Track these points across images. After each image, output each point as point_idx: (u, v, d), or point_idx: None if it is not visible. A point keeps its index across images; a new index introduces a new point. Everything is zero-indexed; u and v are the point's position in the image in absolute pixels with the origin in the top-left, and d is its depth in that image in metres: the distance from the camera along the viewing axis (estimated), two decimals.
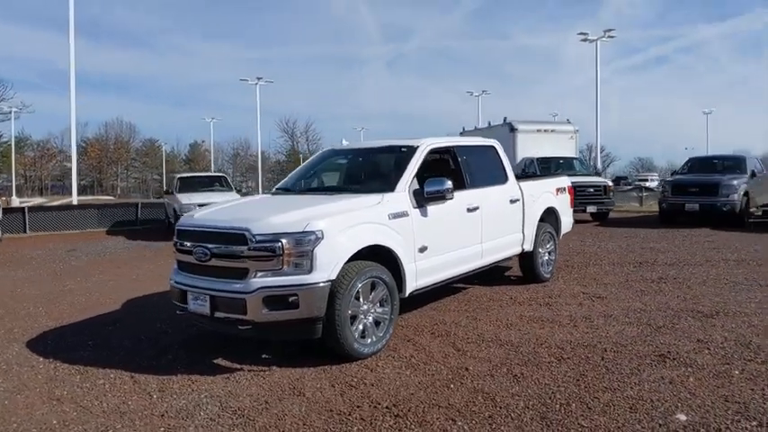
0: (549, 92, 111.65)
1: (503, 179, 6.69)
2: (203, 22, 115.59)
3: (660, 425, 3.27)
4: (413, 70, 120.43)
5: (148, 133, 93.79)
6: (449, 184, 5.21)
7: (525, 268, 7.40)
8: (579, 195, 15.41)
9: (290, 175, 6.44)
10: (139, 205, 20.43)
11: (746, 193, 14.44)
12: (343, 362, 4.51)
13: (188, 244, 4.69)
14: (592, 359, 4.44)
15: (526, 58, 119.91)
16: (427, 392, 3.88)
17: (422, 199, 5.21)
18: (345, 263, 4.41)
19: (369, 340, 4.65)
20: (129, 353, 5.06)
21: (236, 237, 4.35)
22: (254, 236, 4.26)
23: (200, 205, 14.74)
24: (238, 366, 4.57)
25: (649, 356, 4.45)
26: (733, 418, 3.32)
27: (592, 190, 16.39)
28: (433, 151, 5.75)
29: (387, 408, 3.65)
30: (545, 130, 19.78)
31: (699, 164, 16.78)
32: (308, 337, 4.40)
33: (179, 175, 17.52)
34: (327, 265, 4.30)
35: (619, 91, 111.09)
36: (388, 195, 5.01)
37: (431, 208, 5.30)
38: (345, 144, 6.46)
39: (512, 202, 6.70)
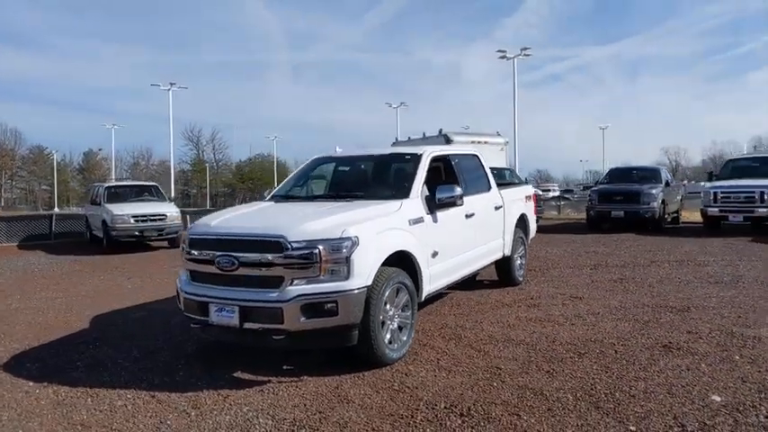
0: (451, 106, 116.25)
1: (488, 187, 6.95)
2: (98, 24, 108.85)
3: (703, 405, 3.58)
4: (319, 80, 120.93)
5: (36, 140, 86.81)
6: (459, 190, 5.37)
7: (502, 272, 7.70)
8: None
9: (285, 183, 6.30)
10: (54, 217, 18.89)
11: (663, 201, 15.89)
12: (370, 368, 4.50)
13: (207, 253, 4.48)
14: (607, 353, 4.74)
15: (429, 72, 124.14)
16: (475, 392, 3.98)
17: (433, 205, 5.32)
18: (378, 269, 4.42)
19: (395, 345, 4.67)
20: (132, 371, 4.73)
21: (270, 244, 4.23)
22: (290, 243, 4.16)
23: (136, 217, 14.16)
24: (264, 378, 4.42)
25: (655, 348, 4.82)
26: (758, 396, 3.70)
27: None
28: (433, 159, 5.88)
29: (446, 408, 3.70)
30: (479, 142, 20.54)
31: (619, 174, 18.22)
32: (343, 344, 4.35)
33: (106, 185, 16.38)
34: (363, 272, 4.29)
35: (519, 105, 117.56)
36: (405, 202, 5.08)
37: (440, 214, 5.42)
38: (339, 151, 6.44)
39: (496, 208, 6.97)
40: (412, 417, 3.61)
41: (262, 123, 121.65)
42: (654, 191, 15.69)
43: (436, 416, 3.60)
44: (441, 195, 5.30)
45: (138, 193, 16.46)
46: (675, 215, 17.87)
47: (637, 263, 9.73)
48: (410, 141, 23.92)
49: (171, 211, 15.05)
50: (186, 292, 4.61)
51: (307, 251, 4.16)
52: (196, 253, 4.58)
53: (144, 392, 4.23)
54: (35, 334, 6.09)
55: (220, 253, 4.37)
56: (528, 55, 34.85)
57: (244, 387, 4.26)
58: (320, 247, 4.17)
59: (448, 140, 20.38)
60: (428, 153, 5.81)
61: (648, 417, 3.46)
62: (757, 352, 4.61)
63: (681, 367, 4.31)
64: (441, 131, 21.24)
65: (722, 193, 14.40)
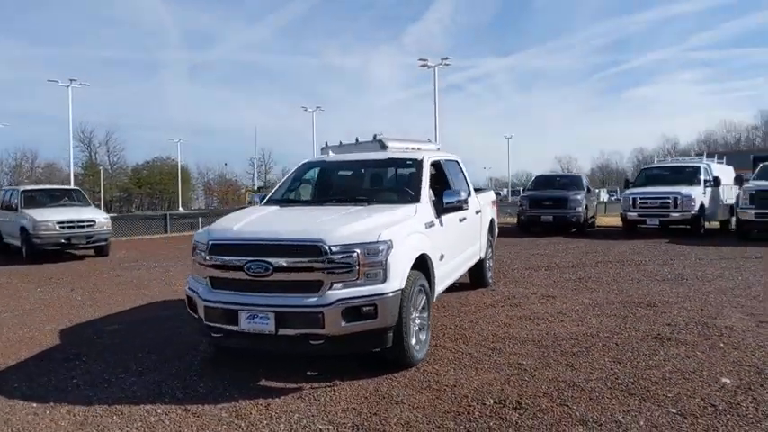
0: (359, 111, 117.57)
1: (468, 191, 7.22)
2: None
3: (719, 387, 4.01)
4: (220, 81, 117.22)
5: None
6: (464, 195, 5.58)
7: (475, 275, 7.99)
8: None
9: (280, 187, 6.17)
10: None
11: (585, 207, 17.15)
12: (398, 369, 4.56)
13: (234, 259, 4.33)
14: (609, 346, 5.12)
15: (337, 76, 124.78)
16: (512, 386, 4.17)
17: (441, 209, 5.48)
18: (409, 271, 4.50)
19: (418, 346, 4.76)
20: (144, 385, 4.45)
21: (308, 248, 4.18)
22: (329, 247, 4.14)
23: (62, 223, 13.08)
24: (294, 385, 4.34)
25: (648, 340, 5.28)
26: (759, 377, 4.20)
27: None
28: (431, 164, 6.05)
29: (497, 403, 3.86)
30: (414, 148, 21.02)
31: (544, 181, 19.40)
32: (378, 347, 4.38)
33: (22, 188, 14.96)
34: (398, 275, 4.36)
35: (419, 113, 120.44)
36: (419, 206, 5.19)
37: (444, 218, 5.59)
38: (332, 156, 6.42)
39: (476, 213, 7.26)
40: (469, 413, 3.72)
41: (159, 125, 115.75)
42: (579, 197, 16.89)
43: (492, 410, 3.75)
44: (448, 200, 5.47)
45: (58, 198, 15.17)
46: (593, 219, 19.31)
47: (583, 263, 10.47)
48: (342, 146, 24.07)
49: (100, 217, 14.06)
50: (208, 300, 4.42)
51: (346, 255, 4.16)
52: (220, 259, 4.41)
53: (173, 406, 4.02)
54: (1, 352, 5.53)
55: (251, 258, 4.25)
56: (448, 65, 36.08)
57: (279, 395, 4.16)
58: (358, 251, 4.19)
59: (383, 146, 20.61)
60: (428, 158, 5.97)
61: (680, 399, 3.82)
62: (735, 339, 5.19)
63: (680, 356, 4.77)
64: (375, 137, 21.42)
65: (640, 198, 15.80)
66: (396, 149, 20.11)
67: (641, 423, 3.47)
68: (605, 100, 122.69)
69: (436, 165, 6.37)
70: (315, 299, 4.13)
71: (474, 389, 4.14)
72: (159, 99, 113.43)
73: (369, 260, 4.22)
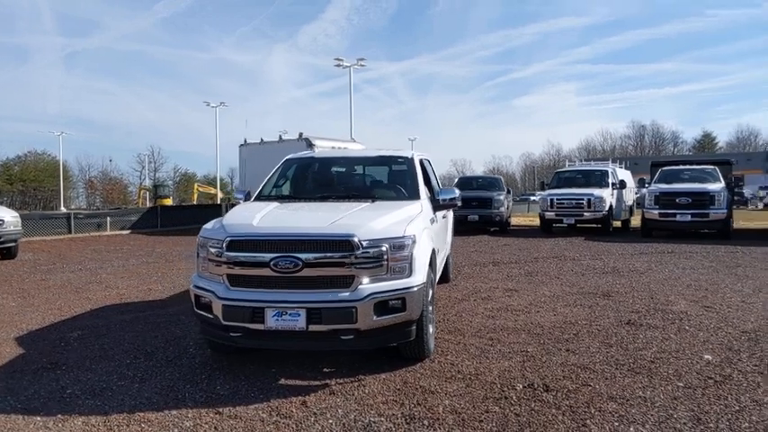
0: (252, 108, 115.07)
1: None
2: None
3: (706, 363, 4.53)
4: (99, 71, 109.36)
5: None
6: (457, 192, 5.79)
7: (442, 271, 8.25)
8: None
9: (267, 184, 6.01)
10: None
11: (507, 206, 18.17)
12: (415, 362, 4.67)
13: (258, 255, 4.21)
14: (593, 332, 5.57)
15: (229, 73, 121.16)
16: (532, 372, 4.43)
17: (437, 206, 5.66)
18: (427, 265, 4.63)
19: (431, 339, 4.90)
20: (155, 390, 4.20)
21: (340, 243, 4.16)
22: (360, 242, 4.16)
23: None
24: (318, 382, 4.31)
25: (623, 326, 5.80)
26: (733, 353, 4.79)
27: None
28: (419, 162, 6.22)
29: (527, 387, 4.09)
30: (339, 147, 21.09)
31: (465, 182, 20.25)
32: (403, 340, 4.45)
33: None
34: (421, 269, 4.47)
35: (318, 114, 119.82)
36: (422, 203, 5.33)
37: (437, 214, 5.78)
38: (320, 152, 6.37)
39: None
40: (506, 398, 3.92)
41: (32, 117, 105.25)
42: (501, 197, 17.86)
43: (526, 394, 3.97)
44: (444, 197, 5.66)
45: None
46: (509, 218, 20.48)
47: (523, 260, 11.14)
48: (263, 144, 23.47)
49: (8, 215, 12.71)
50: (228, 299, 4.25)
51: (376, 250, 4.20)
52: (242, 256, 4.26)
53: (202, 410, 3.84)
54: None
55: (278, 254, 4.15)
56: (363, 65, 36.44)
57: (308, 392, 4.11)
58: (386, 246, 4.25)
59: (309, 144, 20.55)
60: (416, 156, 6.13)
61: (681, 375, 4.28)
62: (695, 322, 5.85)
63: (658, 338, 5.31)
64: (301, 135, 21.30)
65: (557, 199, 17.02)
66: (321, 147, 19.84)
67: (661, 396, 3.86)
68: (495, 107, 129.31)
69: (421, 163, 6.53)
70: (347, 294, 4.13)
71: (497, 376, 4.35)
72: (30, 88, 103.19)
73: (396, 254, 4.29)
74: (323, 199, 5.46)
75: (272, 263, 4.15)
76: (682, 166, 17.03)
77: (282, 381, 4.38)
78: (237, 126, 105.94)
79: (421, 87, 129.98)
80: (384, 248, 4.23)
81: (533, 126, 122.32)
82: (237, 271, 4.30)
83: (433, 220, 5.36)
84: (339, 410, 3.78)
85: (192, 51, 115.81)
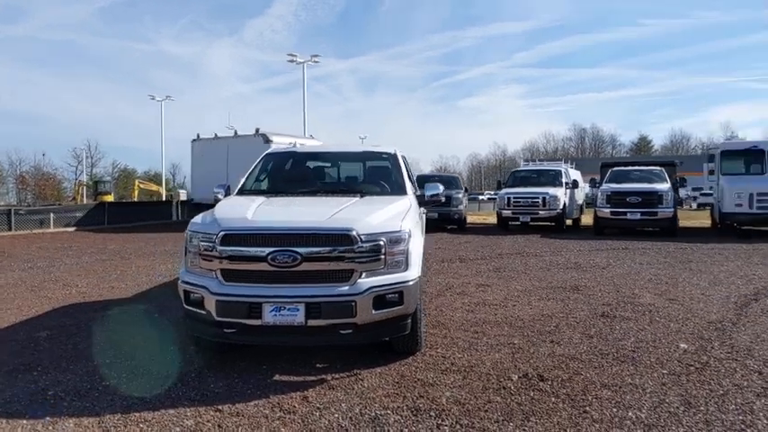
0: (194, 102, 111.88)
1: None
2: None
3: (683, 351, 4.77)
4: (28, 61, 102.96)
5: None
6: (441, 188, 5.86)
7: None
8: None
9: (249, 178, 5.88)
10: None
11: (465, 205, 18.49)
12: (407, 356, 4.70)
13: (254, 249, 4.13)
14: (571, 324, 5.76)
15: (169, 65, 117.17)
16: (524, 363, 4.54)
17: (422, 201, 5.71)
18: (421, 260, 4.67)
19: (422, 333, 4.94)
20: (145, 390, 4.04)
21: (339, 237, 4.13)
22: (360, 236, 4.15)
23: None
24: (315, 378, 4.27)
25: (598, 318, 6.03)
26: (704, 342, 5.07)
27: None
28: (401, 158, 6.25)
29: (522, 377, 4.19)
30: (297, 144, 20.84)
31: (424, 180, 20.41)
32: (399, 334, 4.46)
33: None
34: (416, 262, 4.50)
35: (263, 110, 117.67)
36: (410, 198, 5.36)
37: (422, 209, 5.83)
38: (301, 147, 6.29)
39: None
40: (504, 388, 4.01)
41: None
42: (460, 195, 18.15)
43: (523, 384, 4.07)
44: (429, 193, 5.72)
45: None
46: (466, 216, 20.85)
47: (488, 256, 11.38)
48: (218, 139, 22.90)
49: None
50: (222, 295, 4.14)
51: (374, 244, 4.19)
52: (237, 250, 4.16)
53: (200, 408, 3.73)
54: None
55: (275, 248, 4.08)
56: (317, 62, 36.12)
57: (307, 387, 4.07)
58: (384, 240, 4.25)
59: (267, 140, 20.23)
60: (399, 152, 6.16)
61: (663, 363, 4.49)
62: (665, 314, 6.15)
63: (633, 329, 5.55)
64: (258, 131, 20.94)
65: (514, 198, 17.47)
66: (278, 143, 19.54)
67: (650, 383, 4.05)
68: (442, 107, 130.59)
69: (403, 159, 6.56)
70: (346, 288, 4.11)
71: (491, 368, 4.44)
72: None
73: (393, 249, 4.30)
74: (310, 194, 5.39)
75: (269, 257, 4.08)
76: (630, 167, 17.83)
77: (277, 377, 4.32)
78: (180, 120, 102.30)
79: (368, 85, 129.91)
80: (382, 242, 4.23)
81: (479, 127, 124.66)
82: (232, 266, 4.19)
83: (420, 215, 5.41)
84: (342, 405, 3.76)
85: (130, 42, 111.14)
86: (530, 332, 5.46)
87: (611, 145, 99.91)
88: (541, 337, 5.27)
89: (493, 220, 21.78)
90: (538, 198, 17.01)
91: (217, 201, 5.96)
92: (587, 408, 3.63)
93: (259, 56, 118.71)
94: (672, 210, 15.19)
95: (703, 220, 22.23)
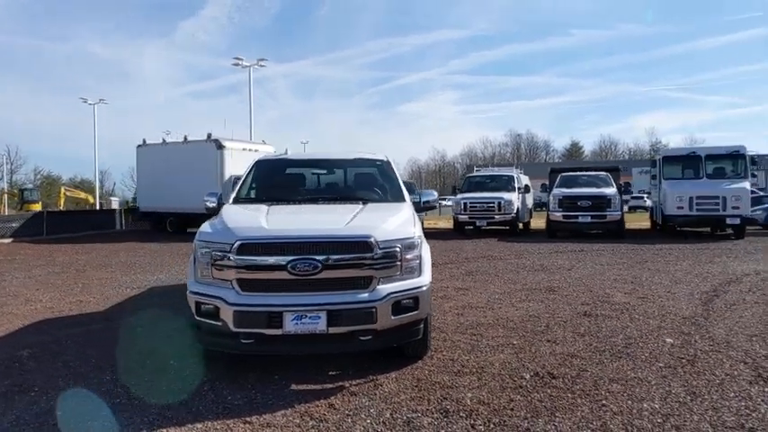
0: (122, 106, 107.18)
1: None
2: None
3: (671, 345, 5.11)
4: None
5: None
6: (436, 194, 6.00)
7: None
8: None
9: (242, 186, 5.80)
10: None
11: None
12: (416, 359, 4.79)
13: (273, 258, 4.10)
14: (560, 323, 6.03)
15: (94, 67, 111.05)
16: (530, 362, 4.72)
17: (419, 208, 5.82)
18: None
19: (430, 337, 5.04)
20: (167, 407, 3.93)
21: (358, 245, 4.18)
22: (378, 243, 4.21)
23: None
24: (332, 385, 4.28)
25: (582, 317, 6.33)
26: (690, 334, 5.44)
27: None
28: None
29: (534, 376, 4.37)
30: (250, 149, 20.53)
31: None
32: (413, 338, 4.54)
33: None
34: (427, 268, 4.62)
35: (194, 115, 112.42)
36: (409, 205, 5.47)
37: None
38: (291, 154, 6.26)
39: None
40: (521, 387, 4.17)
41: None
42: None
43: (537, 382, 4.25)
44: (426, 199, 5.85)
45: None
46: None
47: (456, 260, 11.64)
48: (167, 145, 22.12)
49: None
50: (241, 305, 4.09)
51: (391, 250, 4.27)
52: (255, 259, 4.12)
53: (227, 421, 3.67)
54: None
55: (295, 257, 4.08)
56: (263, 66, 35.65)
57: (329, 395, 4.07)
58: (399, 246, 4.34)
59: (220, 146, 19.82)
60: (390, 159, 6.26)
61: (657, 357, 4.80)
62: (641, 311, 6.53)
63: (619, 326, 5.87)
64: (210, 136, 20.45)
65: (470, 203, 17.92)
66: (232, 149, 19.15)
67: (652, 376, 4.32)
68: (381, 113, 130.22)
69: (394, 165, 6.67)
70: (366, 294, 4.16)
71: (500, 368, 4.60)
72: None
73: (408, 254, 4.39)
74: (311, 201, 5.39)
75: (289, 266, 4.07)
76: (578, 173, 18.69)
77: (294, 386, 4.30)
78: (107, 125, 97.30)
79: (306, 90, 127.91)
80: (397, 249, 4.31)
81: (419, 132, 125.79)
82: (250, 275, 4.15)
83: (420, 221, 5.51)
84: (371, 410, 3.80)
85: (50, 43, 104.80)
86: (524, 332, 5.68)
87: (545, 150, 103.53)
88: (537, 337, 5.49)
89: (443, 224, 22.24)
90: (493, 203, 17.54)
91: (208, 210, 5.87)
92: (604, 402, 3.84)
93: (191, 58, 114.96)
94: (619, 213, 16.06)
95: (641, 222, 23.56)
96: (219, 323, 4.18)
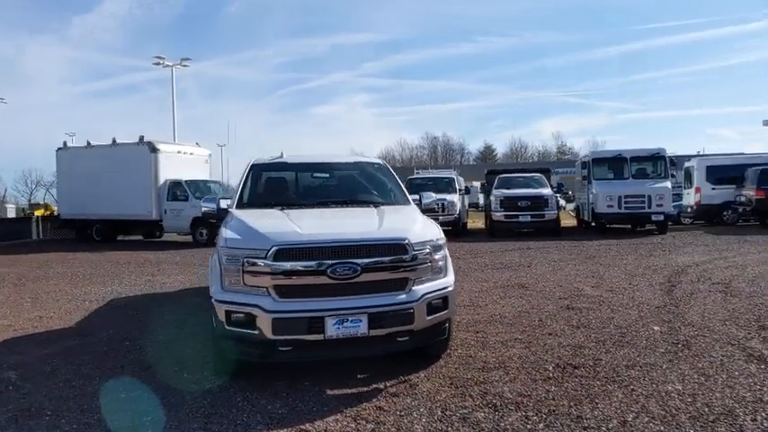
0: (10, 105, 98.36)
1: None
2: None
3: (660, 333, 5.55)
4: None
5: None
6: (435, 196, 6.14)
7: None
8: None
9: (244, 190, 5.62)
10: None
11: None
12: (437, 359, 4.91)
13: (314, 263, 4.06)
14: (551, 317, 6.36)
15: None
16: (546, 355, 4.96)
17: (421, 209, 5.93)
18: None
19: None
20: (210, 421, 3.79)
21: (395, 247, 4.23)
22: (412, 245, 4.29)
23: None
24: (367, 388, 4.29)
25: (566, 310, 6.71)
26: (671, 321, 5.93)
27: None
28: None
29: (557, 367, 4.61)
30: (185, 152, 19.72)
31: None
32: (441, 337, 4.67)
33: None
34: (451, 268, 4.75)
35: (93, 115, 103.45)
36: (414, 207, 5.57)
37: None
38: (288, 157, 6.15)
39: None
40: (548, 378, 4.39)
41: None
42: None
43: (562, 373, 4.48)
44: (426, 201, 5.98)
45: None
46: None
47: None
48: (91, 148, 20.63)
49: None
50: (281, 312, 4.01)
51: (423, 252, 4.36)
52: (295, 264, 4.06)
53: (283, 430, 3.61)
54: None
55: (335, 261, 4.06)
56: (186, 65, 34.32)
57: (370, 398, 4.08)
58: (429, 248, 4.44)
59: (153, 149, 18.87)
60: (385, 162, 6.33)
61: (655, 343, 5.19)
62: (616, 303, 7.02)
63: (604, 317, 6.28)
64: (142, 139, 19.43)
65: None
66: (166, 152, 18.35)
67: (660, 361, 4.69)
68: (294, 114, 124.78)
69: None
70: (404, 296, 4.22)
71: (521, 362, 4.80)
72: None
73: (436, 255, 4.51)
74: (322, 205, 5.35)
75: (329, 270, 4.05)
76: (514, 174, 19.58)
77: (329, 391, 4.27)
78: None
79: (213, 91, 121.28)
80: (428, 250, 4.41)
81: (334, 134, 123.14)
82: (288, 281, 4.08)
83: None
84: (421, 409, 3.87)
85: None
86: (523, 328, 5.94)
87: (461, 153, 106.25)
88: (537, 331, 5.77)
89: None
90: (438, 204, 17.94)
91: (206, 215, 5.68)
92: (632, 387, 4.14)
93: (88, 56, 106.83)
94: (556, 212, 17.01)
95: (566, 220, 25.01)
96: (255, 332, 4.07)
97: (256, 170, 5.95)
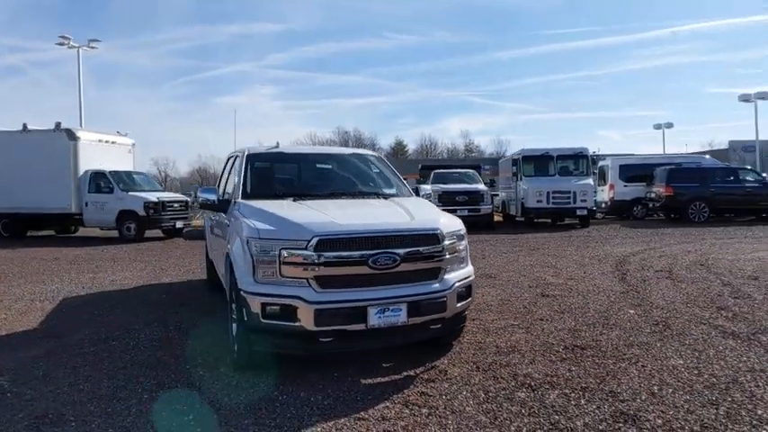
0: None
1: None
2: None
3: (638, 316, 6.08)
4: None
5: None
6: (430, 189, 6.30)
7: None
8: (180, 209, 16.38)
9: (246, 181, 5.42)
10: None
11: None
12: (444, 349, 5.08)
13: (357, 253, 4.08)
14: (534, 305, 6.74)
15: None
16: (551, 338, 5.28)
17: None
18: None
19: None
20: (259, 414, 3.72)
21: (430, 237, 4.34)
22: (444, 235, 4.43)
23: None
24: (399, 376, 4.38)
25: (542, 297, 7.14)
26: (641, 305, 6.50)
27: (178, 205, 17.30)
28: None
29: (566, 348, 4.95)
30: (107, 141, 18.47)
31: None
32: (461, 324, 4.84)
33: None
34: (469, 258, 4.94)
35: None
36: (422, 198, 5.71)
37: None
38: (292, 149, 6.04)
39: None
40: (563, 359, 4.70)
41: None
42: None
43: (574, 353, 4.81)
44: (423, 194, 6.12)
45: None
46: None
47: None
48: (1, 133, 18.62)
49: None
50: (323, 303, 3.99)
51: (451, 242, 4.52)
52: (338, 255, 4.05)
53: (340, 420, 3.62)
54: None
55: (376, 251, 4.11)
56: (95, 47, 31.88)
57: (408, 385, 4.18)
58: (455, 238, 4.61)
59: (73, 137, 17.50)
60: (380, 154, 6.41)
61: (637, 325, 5.69)
62: (583, 290, 7.55)
63: (581, 303, 6.76)
64: (59, 125, 17.96)
65: None
66: (86, 141, 17.23)
67: (652, 339, 5.16)
68: (194, 104, 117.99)
69: None
70: (438, 284, 4.35)
71: (531, 346, 5.09)
72: None
73: (459, 245, 4.68)
74: (332, 196, 5.32)
75: (370, 260, 4.09)
76: (449, 170, 20.21)
77: (364, 381, 4.31)
78: None
79: (104, 76, 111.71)
80: (454, 240, 4.58)
81: (240, 126, 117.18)
82: (329, 271, 4.07)
83: None
84: (464, 392, 4.03)
85: None
86: (513, 314, 6.27)
87: (372, 148, 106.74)
88: (528, 318, 6.11)
89: None
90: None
91: (203, 205, 5.48)
92: (638, 364, 4.54)
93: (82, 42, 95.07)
94: (490, 207, 17.78)
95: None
96: (295, 324, 4.03)
97: (253, 160, 5.79)
